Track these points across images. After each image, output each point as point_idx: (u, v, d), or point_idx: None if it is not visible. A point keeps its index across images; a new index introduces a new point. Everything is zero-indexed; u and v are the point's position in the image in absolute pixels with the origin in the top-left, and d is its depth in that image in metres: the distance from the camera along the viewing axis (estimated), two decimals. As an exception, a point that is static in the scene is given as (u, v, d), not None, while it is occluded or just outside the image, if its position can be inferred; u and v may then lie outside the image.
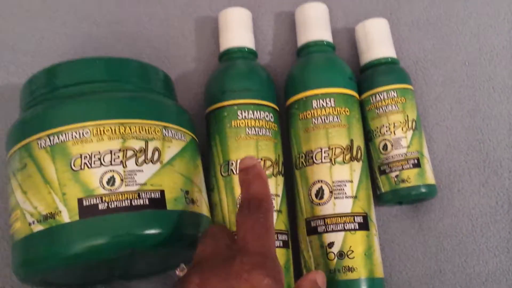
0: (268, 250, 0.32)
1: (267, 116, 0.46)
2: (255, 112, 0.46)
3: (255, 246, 0.32)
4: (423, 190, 0.48)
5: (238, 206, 0.41)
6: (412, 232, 0.50)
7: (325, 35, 0.51)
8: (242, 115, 0.45)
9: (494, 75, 0.56)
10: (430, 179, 0.48)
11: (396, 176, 0.48)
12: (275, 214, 0.44)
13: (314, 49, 0.50)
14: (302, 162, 0.46)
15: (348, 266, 0.43)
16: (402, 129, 0.49)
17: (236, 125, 0.45)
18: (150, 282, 0.46)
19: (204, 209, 0.40)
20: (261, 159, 0.45)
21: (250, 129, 0.45)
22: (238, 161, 0.37)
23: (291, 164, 0.48)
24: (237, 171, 0.36)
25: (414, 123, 0.49)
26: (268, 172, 0.45)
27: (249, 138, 0.45)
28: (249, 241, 0.32)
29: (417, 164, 0.48)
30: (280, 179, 0.46)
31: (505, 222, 0.50)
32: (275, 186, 0.45)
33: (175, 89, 0.47)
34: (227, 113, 0.46)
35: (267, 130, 0.46)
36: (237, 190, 0.44)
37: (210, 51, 0.54)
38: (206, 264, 0.32)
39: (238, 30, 0.50)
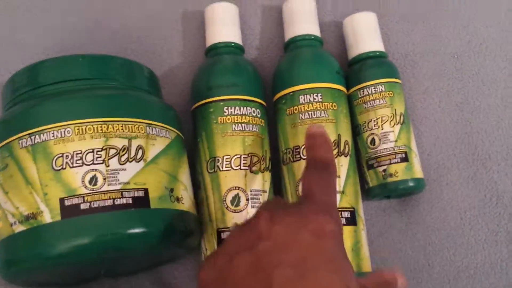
0: (332, 203, 0.34)
1: (253, 111, 0.46)
2: (242, 108, 0.45)
3: (321, 197, 0.33)
4: (411, 184, 0.48)
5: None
6: (401, 226, 0.50)
7: (313, 29, 0.51)
8: (228, 111, 0.45)
9: (483, 68, 0.55)
10: (418, 173, 0.48)
11: (384, 170, 0.48)
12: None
13: (301, 44, 0.50)
14: (289, 157, 0.46)
15: (335, 262, 0.43)
16: (390, 123, 0.49)
17: (222, 121, 0.45)
18: (138, 279, 0.46)
19: (190, 207, 0.40)
20: (248, 155, 0.44)
21: (236, 125, 0.45)
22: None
23: (278, 160, 0.48)
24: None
25: (402, 117, 0.49)
26: (255, 168, 0.44)
27: (236, 134, 0.44)
28: (315, 192, 0.33)
29: (405, 158, 0.48)
30: (267, 175, 0.46)
31: (494, 215, 0.50)
32: (262, 182, 0.45)
33: (161, 85, 0.46)
34: (213, 109, 0.45)
35: (254, 126, 0.46)
36: (224, 187, 0.43)
37: (197, 46, 0.54)
38: (274, 206, 0.33)
39: (224, 25, 0.50)
